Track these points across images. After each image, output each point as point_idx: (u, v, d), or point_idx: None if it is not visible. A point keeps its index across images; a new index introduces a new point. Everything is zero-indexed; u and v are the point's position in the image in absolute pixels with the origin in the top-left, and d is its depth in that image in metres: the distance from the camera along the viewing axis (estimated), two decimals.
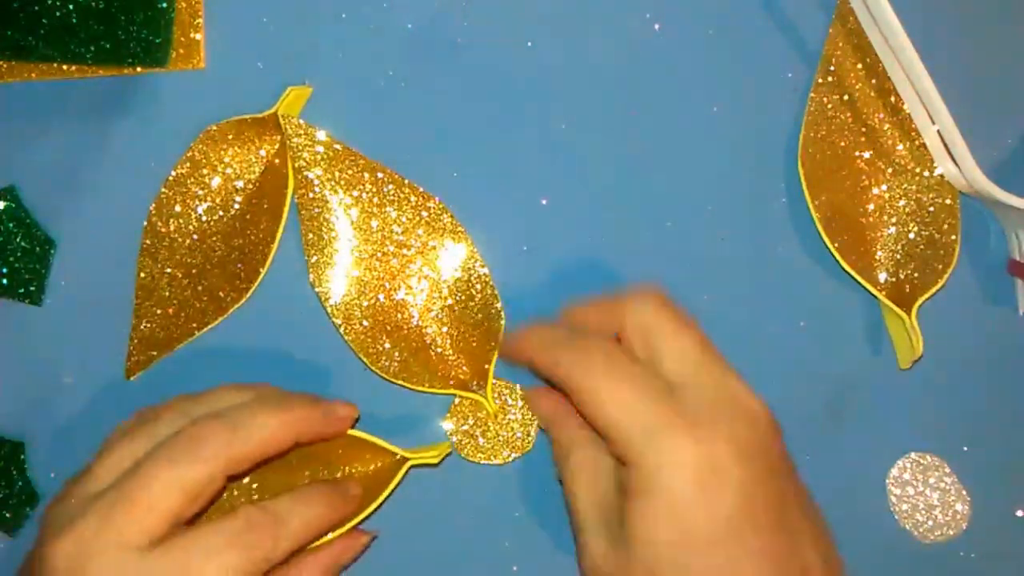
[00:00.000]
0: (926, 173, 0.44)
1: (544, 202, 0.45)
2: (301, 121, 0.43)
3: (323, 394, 0.44)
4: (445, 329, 0.43)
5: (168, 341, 0.44)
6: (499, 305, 0.43)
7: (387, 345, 0.43)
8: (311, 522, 0.38)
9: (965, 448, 0.45)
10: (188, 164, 0.44)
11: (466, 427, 0.44)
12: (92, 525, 0.35)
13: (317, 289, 0.43)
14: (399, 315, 0.43)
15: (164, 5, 0.44)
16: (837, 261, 0.43)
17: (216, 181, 0.44)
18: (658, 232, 0.45)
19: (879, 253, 0.44)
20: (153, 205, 0.44)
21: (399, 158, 0.44)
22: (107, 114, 0.45)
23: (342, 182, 0.43)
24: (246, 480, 0.41)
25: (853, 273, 0.43)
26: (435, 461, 0.42)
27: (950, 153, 0.43)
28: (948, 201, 0.44)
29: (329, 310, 0.43)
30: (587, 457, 0.38)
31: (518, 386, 0.44)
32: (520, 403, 0.44)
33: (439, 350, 0.43)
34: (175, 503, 0.35)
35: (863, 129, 0.44)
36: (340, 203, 0.43)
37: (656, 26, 0.45)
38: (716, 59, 0.45)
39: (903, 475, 0.45)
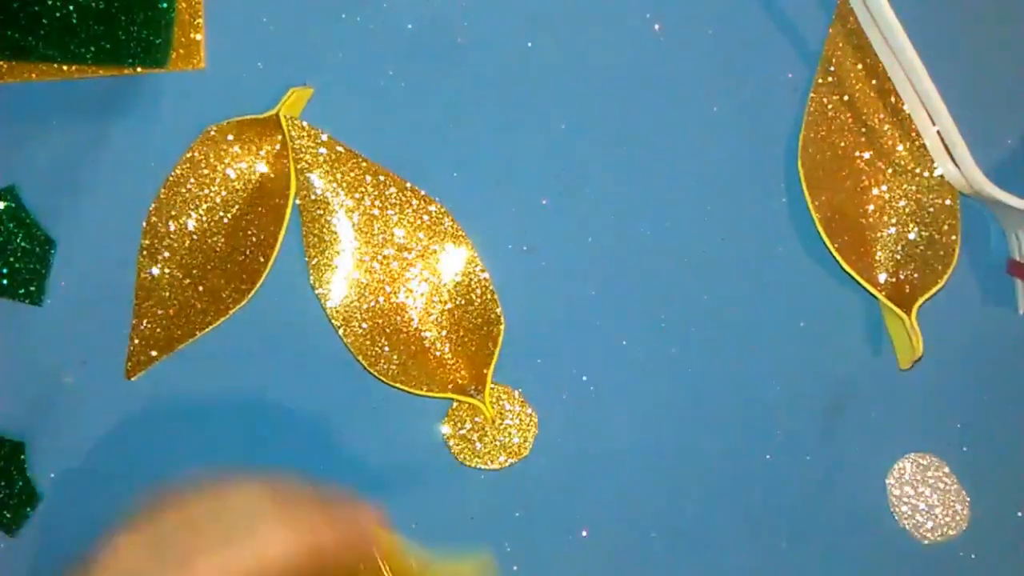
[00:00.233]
0: (926, 174, 0.44)
1: (544, 202, 0.45)
2: (304, 123, 0.43)
3: (320, 396, 0.44)
4: (444, 333, 0.43)
5: (169, 341, 0.44)
6: (499, 310, 0.43)
7: (386, 348, 0.43)
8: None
9: (965, 448, 0.45)
10: (188, 164, 0.44)
11: (463, 431, 0.44)
12: None
13: (317, 291, 0.43)
14: (399, 318, 0.43)
15: (164, 5, 0.44)
16: (837, 261, 0.43)
17: (217, 182, 0.44)
18: (658, 232, 0.45)
19: (879, 253, 0.44)
20: (153, 205, 0.44)
21: (399, 158, 0.44)
22: (107, 114, 0.45)
23: (344, 184, 0.43)
24: None
25: (853, 273, 0.43)
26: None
27: (950, 153, 0.43)
28: (948, 201, 0.44)
29: (329, 312, 0.43)
30: None
31: (516, 391, 0.44)
32: (517, 408, 0.44)
33: (438, 354, 0.43)
34: None
35: (863, 129, 0.44)
36: (341, 205, 0.43)
37: (656, 26, 0.45)
38: (716, 59, 0.45)
39: (903, 475, 0.45)
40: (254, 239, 0.44)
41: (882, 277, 0.44)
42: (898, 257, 0.44)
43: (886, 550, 0.45)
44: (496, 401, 0.44)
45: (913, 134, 0.44)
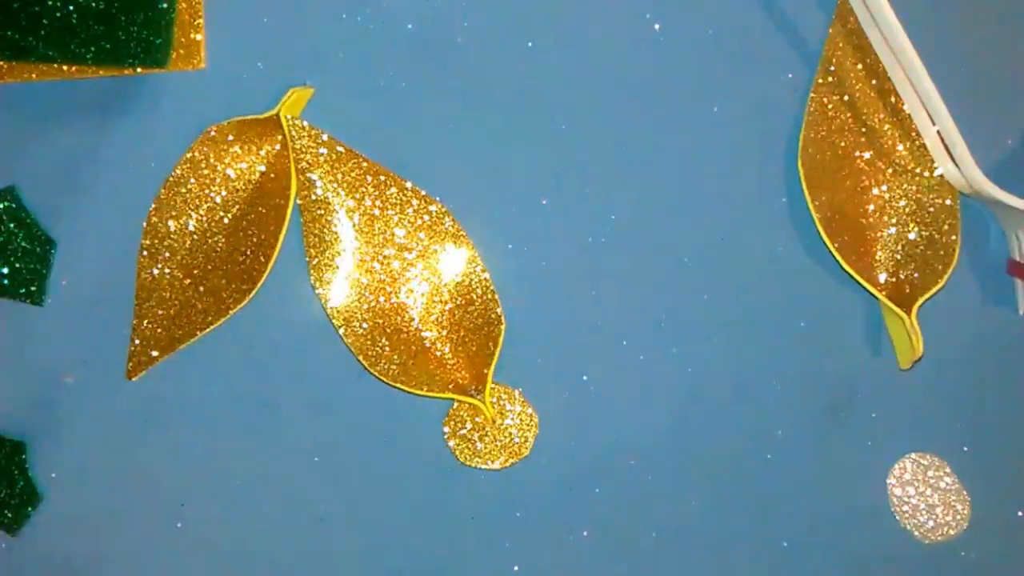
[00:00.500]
0: (926, 173, 0.44)
1: (544, 202, 0.45)
2: (304, 123, 0.43)
3: (320, 396, 0.44)
4: (445, 333, 0.43)
5: (169, 341, 0.44)
6: (499, 310, 0.43)
7: (387, 348, 0.43)
8: None
9: (965, 448, 0.45)
10: (188, 164, 0.44)
11: (464, 432, 0.44)
12: None
13: (318, 291, 0.43)
14: (399, 318, 0.43)
15: (164, 5, 0.44)
16: (837, 261, 0.43)
17: (217, 182, 0.44)
18: (658, 232, 0.45)
19: (879, 253, 0.44)
20: (153, 205, 0.44)
21: (399, 157, 0.44)
22: (107, 114, 0.45)
23: (345, 184, 0.43)
24: None
25: (853, 273, 0.43)
26: None
27: (950, 153, 0.43)
28: (948, 201, 0.44)
29: (329, 312, 0.43)
30: None
31: (516, 391, 0.44)
32: (518, 408, 0.44)
33: (438, 354, 0.43)
34: None
35: (863, 129, 0.44)
36: (342, 205, 0.43)
37: (656, 26, 0.45)
38: (716, 59, 0.45)
39: (904, 475, 0.45)
40: (254, 239, 0.44)
41: (882, 277, 0.44)
42: (898, 257, 0.44)
43: (887, 550, 0.45)
44: (496, 401, 0.44)
45: (913, 134, 0.44)
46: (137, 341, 0.44)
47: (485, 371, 0.43)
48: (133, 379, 0.45)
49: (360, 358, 0.43)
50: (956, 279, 0.44)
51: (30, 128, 0.45)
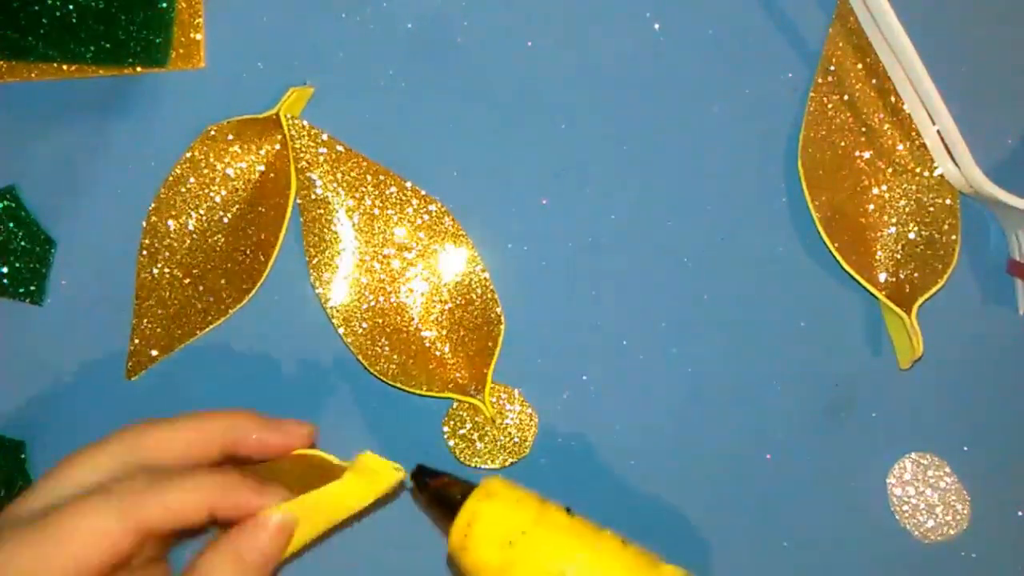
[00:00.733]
0: (926, 173, 0.44)
1: (544, 202, 0.45)
2: (304, 122, 0.43)
3: (320, 396, 0.44)
4: (444, 333, 0.43)
5: (169, 341, 0.44)
6: (499, 310, 0.43)
7: (386, 348, 0.43)
8: (196, 489, 0.34)
9: (965, 448, 0.45)
10: (188, 164, 0.44)
11: (463, 431, 0.44)
12: (5, 552, 0.32)
13: (317, 291, 0.43)
14: (399, 318, 0.43)
15: (164, 5, 0.44)
16: (837, 261, 0.43)
17: (217, 181, 0.44)
18: (658, 232, 0.45)
19: (879, 253, 0.44)
20: (153, 205, 0.44)
21: (399, 157, 0.44)
22: (107, 114, 0.45)
23: (344, 184, 0.43)
24: None
25: (853, 273, 0.43)
26: (388, 483, 0.37)
27: (950, 153, 0.43)
28: (948, 201, 0.44)
29: (329, 312, 0.43)
30: None
31: (516, 391, 0.44)
32: (518, 408, 0.44)
33: (438, 353, 0.43)
34: (83, 550, 0.32)
35: (863, 129, 0.44)
36: (342, 205, 0.43)
37: (656, 26, 0.45)
38: (716, 59, 0.45)
39: (903, 475, 0.45)
40: (254, 239, 0.44)
41: (882, 277, 0.44)
42: (898, 257, 0.44)
43: (886, 550, 0.45)
44: (496, 401, 0.44)
45: (913, 134, 0.44)
46: (137, 341, 0.44)
47: (485, 371, 0.43)
48: (133, 379, 0.45)
49: (360, 358, 0.43)
50: (956, 279, 0.44)
51: (30, 128, 0.45)
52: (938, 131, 0.43)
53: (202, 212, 0.44)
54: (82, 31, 0.43)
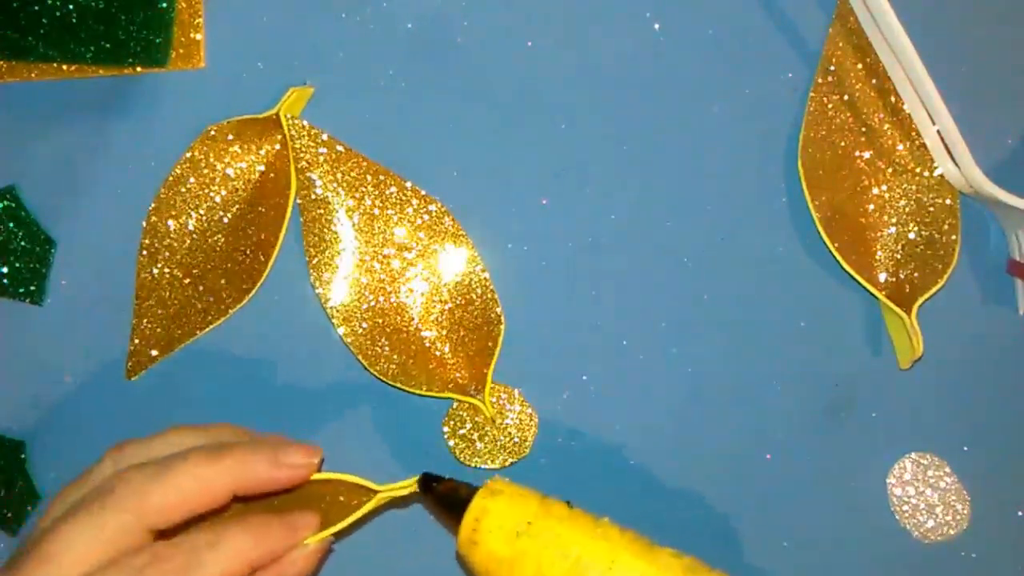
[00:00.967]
0: (926, 173, 0.44)
1: (544, 202, 0.45)
2: (304, 122, 0.43)
3: (320, 396, 0.44)
4: (444, 332, 0.43)
5: (169, 341, 0.44)
6: (499, 310, 0.43)
7: (386, 348, 0.43)
8: (232, 555, 0.34)
9: (965, 448, 0.45)
10: (188, 164, 0.44)
11: (463, 431, 0.44)
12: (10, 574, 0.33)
13: (317, 291, 0.43)
14: (399, 318, 0.43)
15: (164, 5, 0.44)
16: (837, 261, 0.43)
17: (216, 181, 0.44)
18: (658, 232, 0.45)
19: (879, 253, 0.44)
20: (153, 205, 0.44)
21: (399, 157, 0.44)
22: (107, 114, 0.45)
23: (344, 184, 0.43)
24: None
25: (853, 273, 0.43)
26: (405, 493, 0.39)
27: (950, 153, 0.43)
28: (948, 201, 0.44)
29: (329, 312, 0.43)
30: None
31: (516, 391, 0.44)
32: (518, 408, 0.44)
33: (438, 353, 0.43)
34: (84, 556, 0.32)
35: (863, 129, 0.44)
36: (342, 205, 0.43)
37: (656, 26, 0.45)
38: (716, 59, 0.45)
39: (903, 475, 0.45)
40: (254, 239, 0.44)
41: (882, 277, 0.44)
42: (898, 257, 0.44)
43: (886, 550, 0.45)
44: (496, 401, 0.44)
45: (913, 134, 0.44)
46: (137, 341, 0.44)
47: (485, 371, 0.43)
48: (133, 379, 0.45)
49: (360, 358, 0.43)
50: (956, 279, 0.44)
51: (30, 128, 0.45)
52: (938, 131, 0.43)
53: (202, 212, 0.44)
54: (82, 31, 0.43)
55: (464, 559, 0.37)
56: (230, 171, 0.44)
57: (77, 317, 0.45)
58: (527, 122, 0.45)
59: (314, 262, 0.43)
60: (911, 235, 0.44)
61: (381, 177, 0.43)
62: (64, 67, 0.44)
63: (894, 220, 0.44)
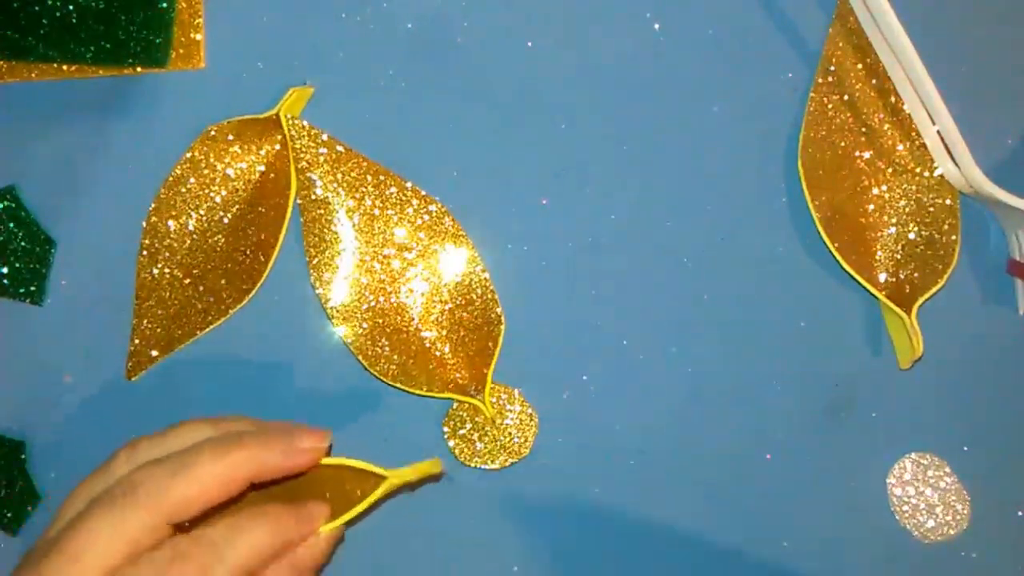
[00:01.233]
0: (926, 173, 0.44)
1: (544, 202, 0.45)
2: (304, 123, 0.43)
3: (320, 396, 0.44)
4: (445, 333, 0.43)
5: (169, 341, 0.44)
6: (499, 310, 0.43)
7: (386, 348, 0.43)
8: (250, 548, 0.34)
9: (965, 448, 0.45)
10: (188, 164, 0.44)
11: (463, 431, 0.44)
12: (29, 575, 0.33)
13: (317, 291, 0.43)
14: (399, 318, 0.43)
15: (164, 5, 0.44)
16: (837, 261, 0.43)
17: (217, 181, 0.44)
18: (658, 232, 0.45)
19: (879, 253, 0.44)
20: (153, 205, 0.44)
21: (399, 157, 0.44)
22: (107, 114, 0.45)
23: (344, 184, 0.43)
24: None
25: (853, 273, 0.43)
26: (413, 478, 0.39)
27: (950, 153, 0.43)
28: (948, 201, 0.44)
29: (329, 312, 0.43)
30: None
31: (516, 391, 0.44)
32: (518, 408, 0.44)
33: (438, 354, 0.43)
34: (109, 552, 0.32)
35: (863, 129, 0.44)
36: (342, 205, 0.43)
37: (656, 26, 0.45)
38: (716, 59, 0.45)
39: (903, 475, 0.45)
40: (254, 239, 0.44)
41: (882, 277, 0.44)
42: (898, 257, 0.44)
43: (887, 550, 0.45)
44: (496, 401, 0.44)
45: (913, 134, 0.44)
46: (137, 341, 0.44)
47: (485, 371, 0.43)
48: (133, 379, 0.45)
49: (360, 358, 0.43)
50: (956, 279, 0.44)
51: (30, 128, 0.45)
52: (938, 131, 0.43)
53: (202, 212, 0.44)
54: (82, 31, 0.43)
55: None
56: (230, 171, 0.44)
57: (77, 317, 0.45)
58: (527, 122, 0.45)
59: (314, 262, 0.43)
60: (911, 235, 0.44)
61: (381, 177, 0.43)
62: (64, 67, 0.44)
63: (894, 220, 0.44)
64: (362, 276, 0.43)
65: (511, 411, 0.44)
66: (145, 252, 0.44)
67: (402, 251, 0.43)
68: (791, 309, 0.45)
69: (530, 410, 0.44)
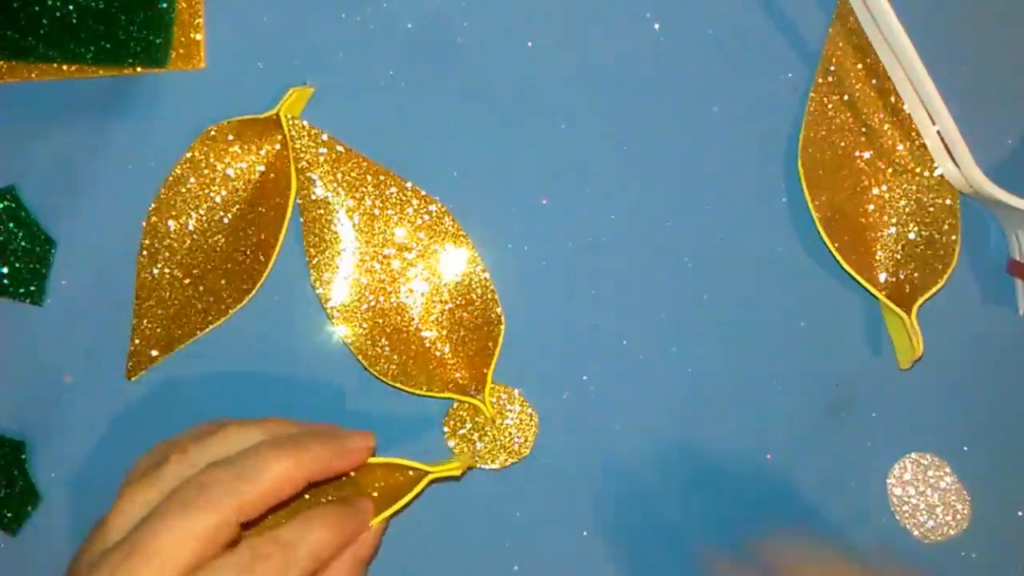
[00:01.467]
0: (926, 173, 0.44)
1: (544, 202, 0.45)
2: (304, 122, 0.43)
3: (320, 396, 0.44)
4: (445, 333, 0.43)
5: (169, 341, 0.44)
6: (499, 310, 0.43)
7: (387, 348, 0.43)
8: (320, 546, 0.36)
9: (965, 448, 0.45)
10: (188, 164, 0.44)
11: (463, 431, 0.44)
12: None
13: (317, 291, 0.43)
14: (399, 318, 0.43)
15: (164, 5, 0.44)
16: (837, 261, 0.43)
17: (217, 182, 0.44)
18: (658, 232, 0.45)
19: (879, 253, 0.44)
20: (153, 205, 0.44)
21: (399, 158, 0.44)
22: (107, 114, 0.45)
23: (344, 184, 0.43)
24: None
25: (853, 273, 0.43)
26: (457, 474, 0.42)
27: (950, 153, 0.43)
28: (948, 201, 0.44)
29: (329, 312, 0.43)
30: None
31: (516, 391, 0.44)
32: (518, 408, 0.44)
33: (438, 354, 0.43)
34: (186, 554, 0.33)
35: (863, 129, 0.44)
36: (342, 205, 0.43)
37: (656, 26, 0.45)
38: (716, 59, 0.45)
39: (904, 475, 0.45)
40: (254, 239, 0.44)
41: (882, 277, 0.44)
42: (898, 257, 0.44)
43: (887, 550, 0.45)
44: (496, 401, 0.44)
45: (913, 134, 0.44)
46: (137, 341, 0.44)
47: (485, 371, 0.43)
48: (133, 379, 0.45)
49: (360, 358, 0.43)
50: (956, 279, 0.44)
51: (30, 128, 0.45)
52: (938, 131, 0.43)
53: (202, 212, 0.44)
54: (82, 31, 0.43)
55: None
56: (230, 171, 0.44)
57: (77, 317, 0.45)
58: (527, 122, 0.45)
59: (314, 262, 0.43)
60: (911, 235, 0.44)
61: (381, 177, 0.43)
62: (64, 67, 0.44)
63: (894, 220, 0.44)
64: (362, 276, 0.43)
65: (511, 411, 0.44)
66: (145, 252, 0.44)
67: (402, 251, 0.43)
68: (791, 309, 0.45)
69: (530, 410, 0.44)
